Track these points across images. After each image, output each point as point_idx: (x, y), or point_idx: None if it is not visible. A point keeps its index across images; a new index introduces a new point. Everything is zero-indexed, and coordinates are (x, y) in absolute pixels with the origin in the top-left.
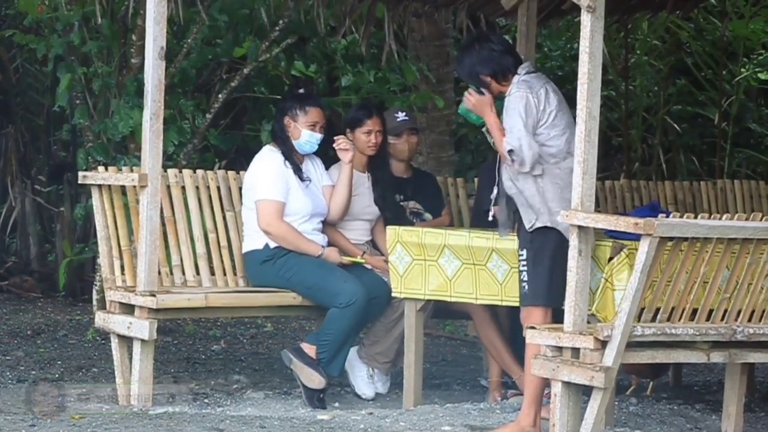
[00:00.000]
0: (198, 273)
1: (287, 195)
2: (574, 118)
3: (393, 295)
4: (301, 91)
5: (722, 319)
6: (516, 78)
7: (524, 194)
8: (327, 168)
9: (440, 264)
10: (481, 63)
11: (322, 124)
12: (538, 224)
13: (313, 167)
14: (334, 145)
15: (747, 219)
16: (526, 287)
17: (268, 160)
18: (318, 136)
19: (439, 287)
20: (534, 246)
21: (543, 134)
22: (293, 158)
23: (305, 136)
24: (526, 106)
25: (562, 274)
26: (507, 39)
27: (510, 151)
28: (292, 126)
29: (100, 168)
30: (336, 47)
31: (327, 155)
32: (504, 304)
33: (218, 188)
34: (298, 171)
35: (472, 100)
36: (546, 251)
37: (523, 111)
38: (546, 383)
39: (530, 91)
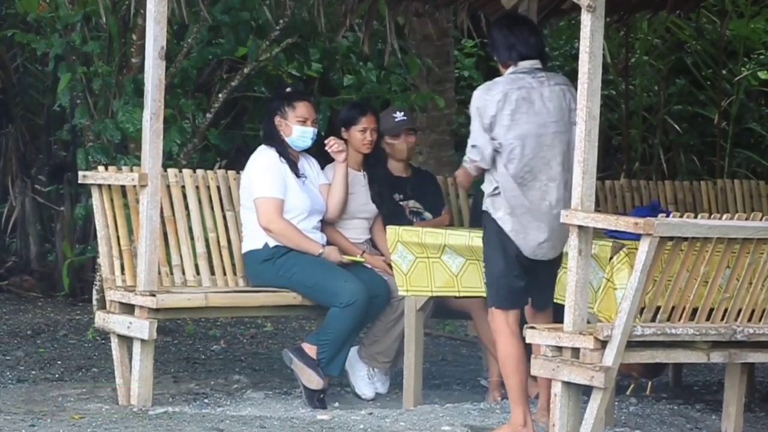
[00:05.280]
0: (198, 273)
1: (285, 192)
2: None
3: (399, 293)
4: (288, 89)
5: (722, 319)
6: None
7: None
8: (322, 168)
9: (444, 261)
10: (490, 45)
11: (313, 119)
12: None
13: (309, 166)
14: (326, 148)
15: (747, 219)
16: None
17: (263, 158)
18: (311, 130)
19: (446, 283)
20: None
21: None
22: (288, 156)
23: (297, 131)
24: (479, 106)
25: (504, 272)
26: (525, 28)
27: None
28: (283, 125)
29: (100, 168)
30: (339, 46)
31: (326, 156)
32: None
33: (218, 188)
34: (294, 168)
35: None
36: (485, 246)
37: (475, 112)
38: (527, 380)
39: (487, 93)
